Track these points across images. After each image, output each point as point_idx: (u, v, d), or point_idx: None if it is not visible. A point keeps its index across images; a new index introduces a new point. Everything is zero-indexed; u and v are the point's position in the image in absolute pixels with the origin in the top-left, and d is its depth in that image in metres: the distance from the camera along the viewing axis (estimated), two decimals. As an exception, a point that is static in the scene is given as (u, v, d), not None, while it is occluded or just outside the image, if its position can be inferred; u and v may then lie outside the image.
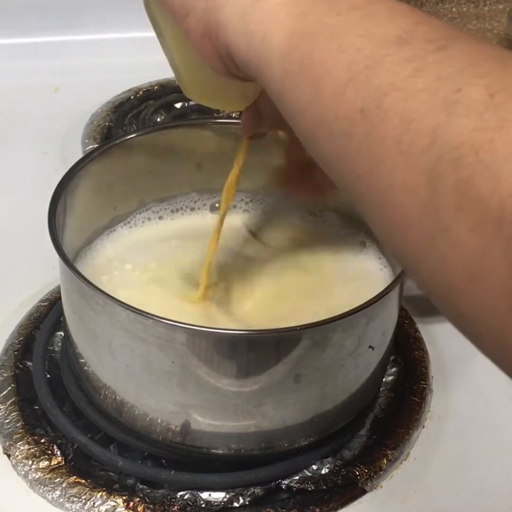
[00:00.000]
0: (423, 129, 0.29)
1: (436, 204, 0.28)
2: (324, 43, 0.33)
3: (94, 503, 0.51)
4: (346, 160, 0.32)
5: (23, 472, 0.53)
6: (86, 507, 0.50)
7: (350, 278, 0.58)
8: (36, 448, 0.53)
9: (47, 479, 0.52)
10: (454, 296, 0.28)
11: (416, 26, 0.32)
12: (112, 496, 0.51)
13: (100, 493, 0.51)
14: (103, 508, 0.50)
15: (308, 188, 0.55)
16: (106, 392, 0.52)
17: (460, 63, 0.29)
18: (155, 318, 0.45)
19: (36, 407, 0.56)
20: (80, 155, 0.61)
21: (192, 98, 0.51)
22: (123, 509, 0.50)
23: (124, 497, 0.51)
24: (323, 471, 0.54)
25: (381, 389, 0.59)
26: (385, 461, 0.54)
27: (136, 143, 0.59)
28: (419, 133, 0.29)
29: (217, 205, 0.62)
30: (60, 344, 0.60)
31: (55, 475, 0.52)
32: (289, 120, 0.36)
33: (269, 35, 0.35)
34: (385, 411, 0.58)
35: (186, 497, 0.51)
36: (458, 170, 0.27)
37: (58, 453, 0.53)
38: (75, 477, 0.52)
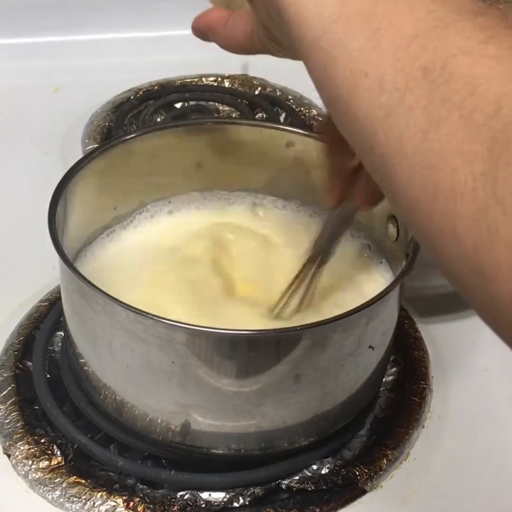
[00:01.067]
0: (489, 95, 0.28)
1: (495, 174, 0.27)
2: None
3: (94, 503, 0.51)
4: (393, 116, 0.31)
5: (23, 472, 0.53)
6: (86, 507, 0.50)
7: (351, 281, 0.58)
8: (36, 448, 0.53)
9: (47, 479, 0.52)
10: (497, 274, 0.27)
11: (491, 8, 0.31)
12: (112, 496, 0.51)
13: (100, 493, 0.51)
14: (103, 508, 0.50)
15: (360, 196, 0.52)
16: (106, 392, 0.52)
17: None
18: (155, 318, 0.45)
19: (36, 407, 0.56)
20: (80, 155, 0.61)
21: None
22: (123, 509, 0.50)
23: (124, 497, 0.51)
24: (323, 471, 0.54)
25: (381, 389, 0.59)
26: (385, 461, 0.54)
27: (136, 143, 0.59)
28: (484, 99, 0.28)
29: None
30: (60, 344, 0.60)
31: (55, 475, 0.52)
32: (320, 68, 0.35)
33: None
34: (385, 411, 0.58)
35: (186, 497, 0.51)
36: None
37: (58, 453, 0.53)
38: (75, 477, 0.52)
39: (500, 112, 0.28)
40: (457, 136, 0.29)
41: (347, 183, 0.51)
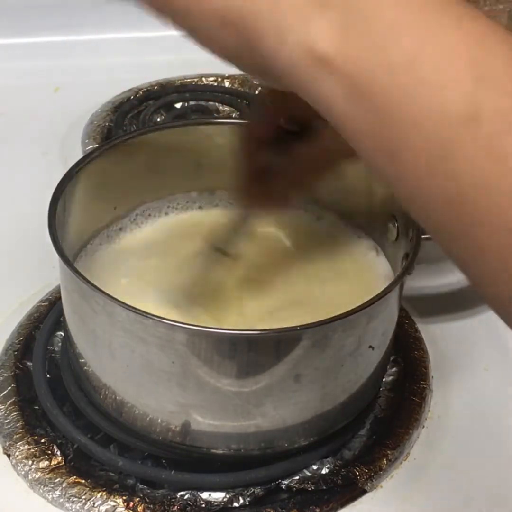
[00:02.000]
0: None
1: None
2: None
3: (94, 503, 0.51)
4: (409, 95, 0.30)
5: (23, 472, 0.53)
6: (86, 507, 0.50)
7: (351, 281, 0.58)
8: (36, 448, 0.53)
9: (47, 479, 0.52)
10: None
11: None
12: (112, 496, 0.51)
13: (100, 493, 0.51)
14: (103, 508, 0.50)
15: (265, 200, 0.53)
16: (106, 392, 0.52)
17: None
18: (155, 318, 0.45)
19: (36, 407, 0.56)
20: (80, 155, 0.61)
21: None
22: (123, 509, 0.50)
23: (124, 497, 0.51)
24: (323, 471, 0.54)
25: (381, 389, 0.59)
26: (385, 461, 0.54)
27: (136, 143, 0.59)
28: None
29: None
30: (60, 344, 0.60)
31: (55, 475, 0.52)
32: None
33: None
34: (385, 411, 0.58)
35: (186, 497, 0.51)
36: None
37: (58, 453, 0.53)
38: (75, 477, 0.52)
39: None
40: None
41: (258, 187, 0.52)
